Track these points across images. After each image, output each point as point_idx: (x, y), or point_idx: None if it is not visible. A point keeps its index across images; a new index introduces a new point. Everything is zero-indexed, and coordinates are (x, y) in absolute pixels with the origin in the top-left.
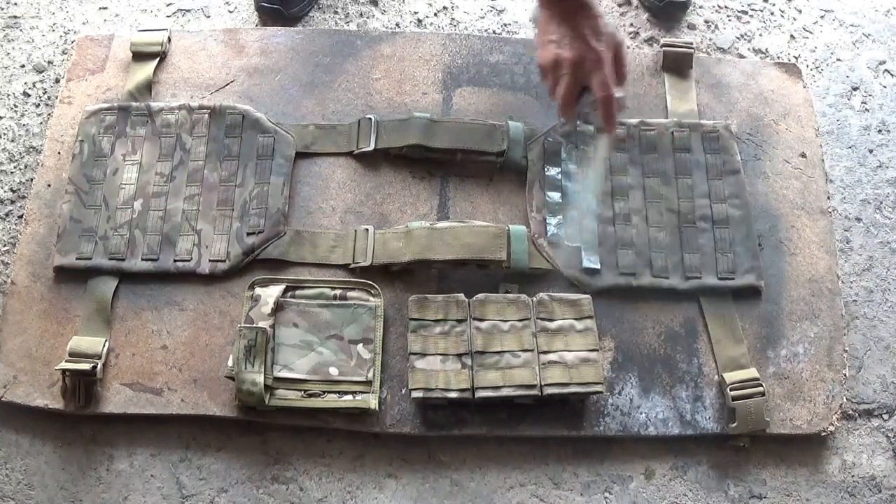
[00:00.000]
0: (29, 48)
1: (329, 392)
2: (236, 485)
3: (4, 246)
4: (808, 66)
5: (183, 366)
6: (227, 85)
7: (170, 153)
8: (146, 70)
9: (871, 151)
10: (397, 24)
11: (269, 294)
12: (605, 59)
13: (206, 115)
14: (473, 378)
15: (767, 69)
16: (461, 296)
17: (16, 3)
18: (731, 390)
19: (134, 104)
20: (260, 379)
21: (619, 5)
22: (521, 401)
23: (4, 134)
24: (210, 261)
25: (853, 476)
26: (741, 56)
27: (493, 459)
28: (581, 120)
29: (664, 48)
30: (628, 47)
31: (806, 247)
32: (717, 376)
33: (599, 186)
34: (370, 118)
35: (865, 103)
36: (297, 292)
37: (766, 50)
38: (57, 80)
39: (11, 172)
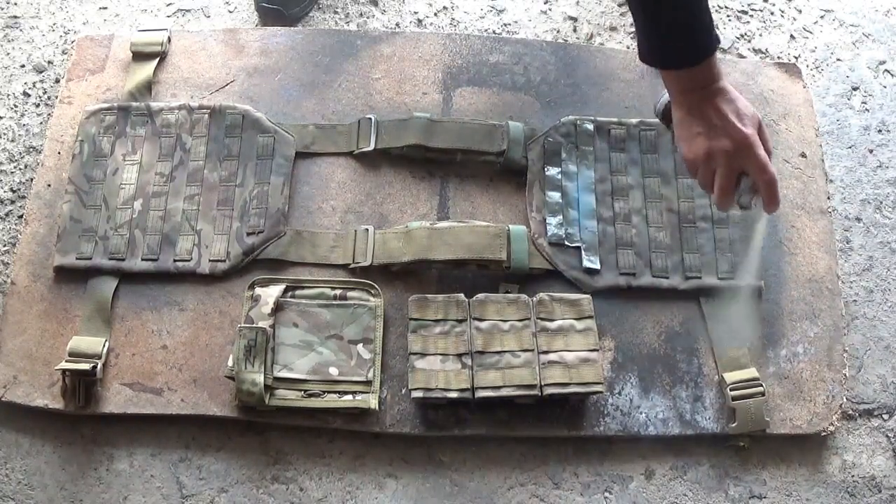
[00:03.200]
0: (29, 48)
1: (329, 392)
2: (236, 485)
3: (4, 246)
4: (808, 66)
5: (183, 366)
6: (227, 85)
7: (170, 153)
8: (146, 70)
9: (871, 151)
10: (397, 24)
11: (269, 294)
12: (756, 141)
13: (206, 115)
14: (473, 378)
15: (767, 69)
16: (461, 296)
17: (16, 3)
18: (731, 390)
19: (134, 104)
20: (260, 379)
21: (619, 5)
22: (521, 401)
23: (4, 134)
24: (210, 261)
25: (853, 476)
26: (741, 56)
27: (493, 459)
28: (741, 206)
29: None
30: (628, 47)
31: (806, 247)
32: (717, 376)
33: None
34: (370, 118)
35: (865, 103)
36: (297, 292)
37: (766, 50)
38: (57, 80)
39: (11, 172)
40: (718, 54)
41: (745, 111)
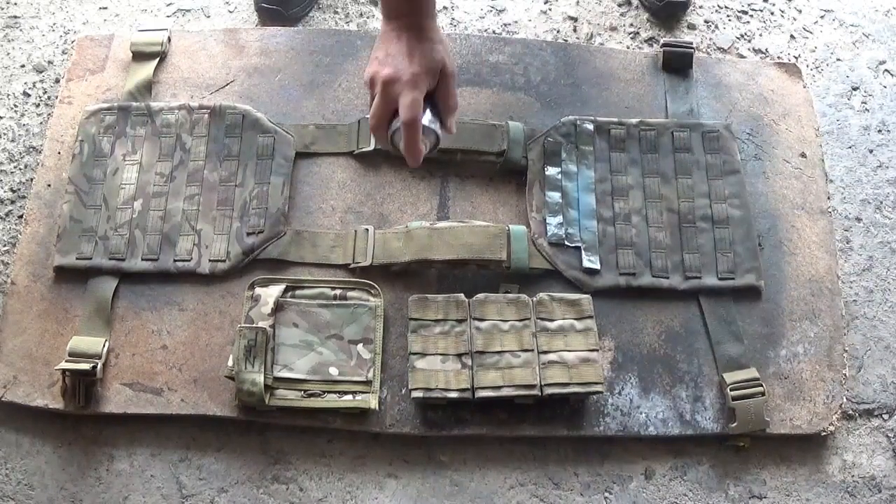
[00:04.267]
0: (29, 48)
1: (329, 392)
2: (236, 485)
3: (4, 246)
4: (808, 66)
5: (183, 366)
6: (227, 85)
7: (170, 153)
8: (146, 70)
9: (871, 151)
10: None
11: (269, 294)
12: (416, 81)
13: (206, 115)
14: (473, 378)
15: (767, 69)
16: (461, 296)
17: (16, 3)
18: (731, 390)
19: (134, 104)
20: (260, 379)
21: (619, 5)
22: (521, 401)
23: (4, 134)
24: (210, 261)
25: (853, 476)
26: (741, 56)
27: (493, 459)
28: (393, 145)
29: (664, 48)
30: (628, 47)
31: (806, 247)
32: (717, 376)
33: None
34: None
35: (865, 103)
36: (297, 292)
37: (766, 50)
38: (57, 80)
39: (11, 172)
40: (718, 54)
41: (427, 53)
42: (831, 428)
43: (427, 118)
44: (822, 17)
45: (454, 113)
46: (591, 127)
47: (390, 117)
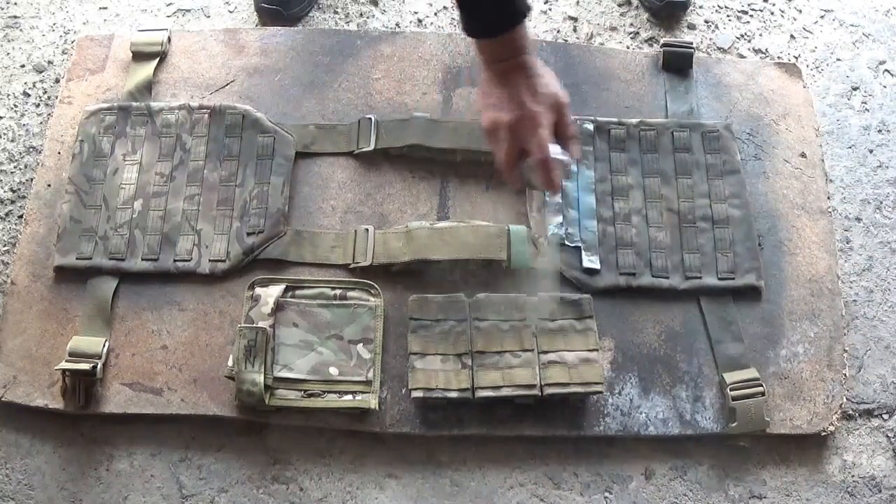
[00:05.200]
0: (29, 48)
1: (329, 392)
2: (236, 485)
3: (4, 246)
4: (808, 66)
5: (183, 366)
6: (227, 85)
7: (170, 153)
8: (146, 70)
9: (871, 151)
10: (397, 24)
11: (269, 294)
12: (543, 120)
13: (206, 115)
14: (473, 378)
15: (767, 69)
16: (461, 296)
17: (16, 3)
18: (731, 390)
19: (134, 104)
20: (260, 379)
21: (619, 5)
22: (521, 401)
23: (4, 134)
24: (210, 261)
25: (853, 476)
26: (741, 56)
27: (493, 459)
28: (526, 184)
29: (664, 48)
30: (628, 47)
31: (806, 247)
32: (717, 376)
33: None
34: (370, 118)
35: (865, 103)
36: (297, 292)
37: (766, 50)
38: (57, 80)
39: (11, 172)
40: (718, 54)
41: (542, 89)
42: (831, 428)
43: (556, 150)
44: (822, 17)
45: (574, 138)
46: (591, 127)
47: (519, 158)
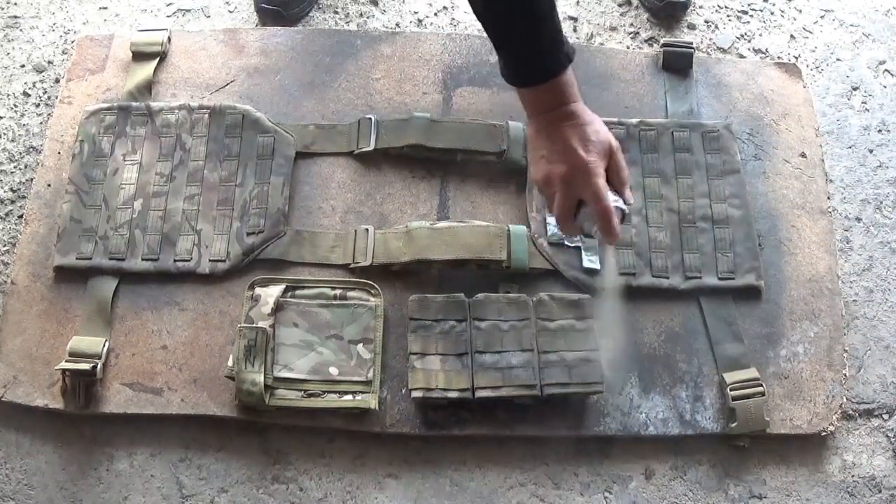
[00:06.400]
0: (29, 48)
1: (329, 392)
2: (236, 485)
3: (4, 246)
4: (808, 66)
5: (183, 366)
6: (227, 85)
7: (170, 153)
8: (146, 70)
9: (871, 151)
10: (397, 24)
11: (269, 294)
12: (595, 169)
13: (206, 115)
14: (473, 378)
15: (767, 69)
16: (461, 296)
17: (16, 3)
18: (731, 390)
19: (134, 104)
20: (260, 379)
21: (620, 5)
22: (521, 401)
23: (4, 134)
24: (210, 261)
25: (853, 476)
26: (741, 56)
27: (493, 459)
28: (584, 234)
29: (664, 48)
30: (628, 47)
31: (806, 247)
32: (717, 376)
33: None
34: (370, 118)
35: (865, 103)
36: (297, 292)
37: (766, 50)
38: (57, 80)
39: (11, 172)
40: (718, 54)
41: (593, 137)
42: (831, 428)
43: (612, 198)
44: (822, 17)
45: (628, 183)
46: None
47: (576, 209)
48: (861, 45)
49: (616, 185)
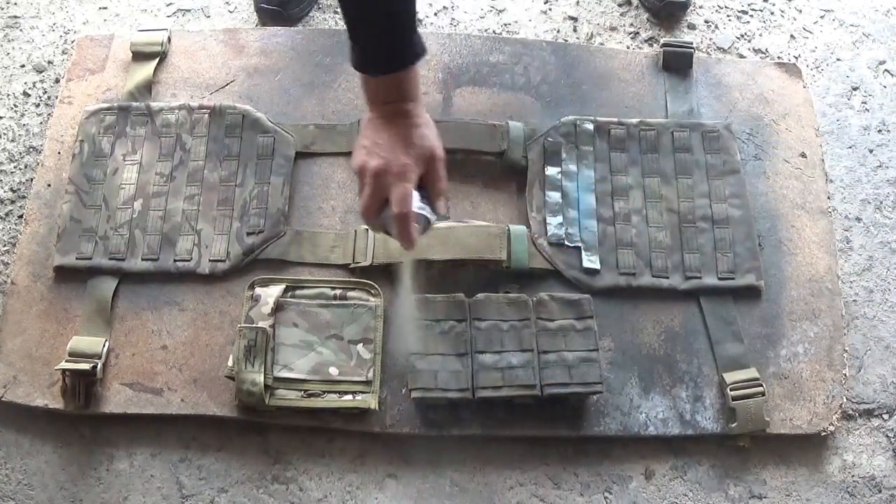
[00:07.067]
0: (29, 48)
1: (329, 392)
2: (236, 485)
3: (4, 246)
4: (808, 66)
5: (183, 366)
6: (227, 85)
7: (170, 153)
8: (146, 70)
9: (871, 151)
10: None
11: (269, 294)
12: (407, 173)
13: (206, 115)
14: (473, 378)
15: (767, 69)
16: (461, 296)
17: (16, 3)
18: (731, 390)
19: (134, 104)
20: (260, 379)
21: (619, 5)
22: (521, 401)
23: (4, 134)
24: (210, 261)
25: (853, 476)
26: (741, 56)
27: (493, 459)
28: (386, 232)
29: (664, 48)
30: (628, 47)
31: (806, 247)
32: (717, 376)
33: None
34: None
35: (865, 103)
36: (297, 292)
37: (766, 50)
38: (57, 80)
39: (11, 172)
40: (718, 54)
41: (416, 140)
42: (831, 428)
43: (416, 204)
44: (822, 17)
45: (444, 195)
46: (591, 127)
47: (381, 206)
48: (861, 45)
49: (432, 193)
